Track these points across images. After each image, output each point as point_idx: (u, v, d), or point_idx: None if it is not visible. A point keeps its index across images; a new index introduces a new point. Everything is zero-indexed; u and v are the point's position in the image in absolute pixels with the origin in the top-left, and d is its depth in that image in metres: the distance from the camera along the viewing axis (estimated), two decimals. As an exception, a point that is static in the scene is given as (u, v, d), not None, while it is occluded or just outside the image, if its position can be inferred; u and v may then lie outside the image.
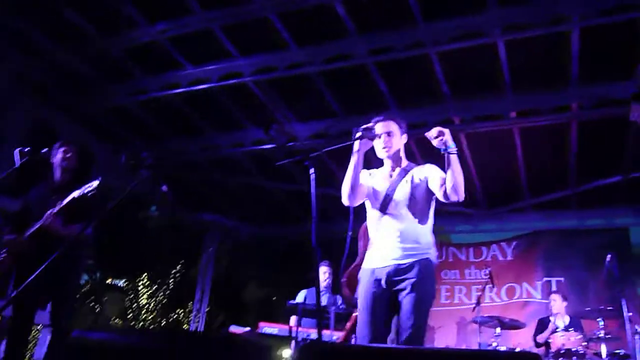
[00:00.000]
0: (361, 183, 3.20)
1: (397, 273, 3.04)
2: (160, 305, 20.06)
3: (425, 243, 3.12)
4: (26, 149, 3.99)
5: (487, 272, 6.53)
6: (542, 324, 6.41)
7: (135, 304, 20.08)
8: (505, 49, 5.15)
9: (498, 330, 6.01)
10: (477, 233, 8.62)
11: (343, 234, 3.24)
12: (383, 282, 3.07)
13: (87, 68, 6.12)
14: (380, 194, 3.22)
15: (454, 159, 2.89)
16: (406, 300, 2.97)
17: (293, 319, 6.03)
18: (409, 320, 2.92)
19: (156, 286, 20.27)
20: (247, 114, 6.76)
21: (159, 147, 7.40)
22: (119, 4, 5.13)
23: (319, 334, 2.86)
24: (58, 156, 4.26)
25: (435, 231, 3.28)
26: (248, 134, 7.09)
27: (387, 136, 3.22)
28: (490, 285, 6.61)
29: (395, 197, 3.16)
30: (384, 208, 3.18)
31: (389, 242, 3.12)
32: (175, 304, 19.97)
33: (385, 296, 3.06)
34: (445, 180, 2.97)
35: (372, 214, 3.27)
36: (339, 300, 5.90)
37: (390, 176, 3.26)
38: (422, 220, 3.15)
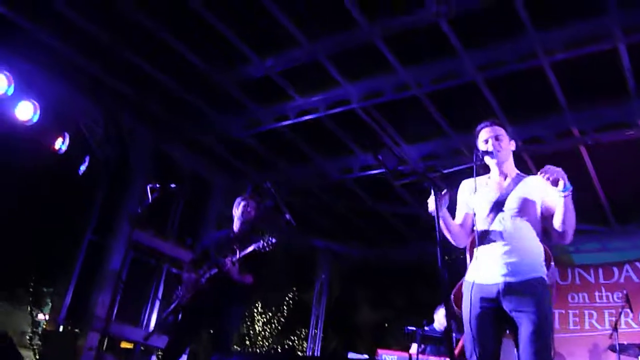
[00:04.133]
0: (464, 216, 3.09)
1: (509, 292, 2.76)
2: (275, 332, 20.50)
3: (539, 260, 2.85)
4: (156, 185, 4.36)
5: (623, 294, 6.00)
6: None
7: (252, 331, 20.66)
8: (627, 52, 4.81)
9: (640, 359, 5.47)
10: (606, 252, 7.94)
11: (459, 255, 3.10)
12: (492, 300, 2.81)
13: (203, 102, 6.46)
14: (489, 203, 2.99)
15: (569, 200, 2.68)
16: (525, 323, 2.69)
17: (414, 347, 5.90)
18: (532, 346, 2.64)
19: (270, 313, 20.76)
20: (355, 139, 6.81)
21: (271, 176, 7.64)
22: (232, 41, 5.40)
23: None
24: (239, 209, 4.52)
25: (555, 249, 3.05)
26: (357, 160, 7.15)
27: (496, 140, 3.03)
28: (627, 310, 6.06)
29: (506, 206, 2.93)
30: (492, 217, 2.95)
31: (497, 256, 2.86)
32: (289, 331, 20.31)
33: (495, 313, 2.81)
34: (553, 215, 2.78)
35: (479, 223, 3.02)
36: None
37: (501, 184, 3.05)
38: (535, 234, 2.90)
